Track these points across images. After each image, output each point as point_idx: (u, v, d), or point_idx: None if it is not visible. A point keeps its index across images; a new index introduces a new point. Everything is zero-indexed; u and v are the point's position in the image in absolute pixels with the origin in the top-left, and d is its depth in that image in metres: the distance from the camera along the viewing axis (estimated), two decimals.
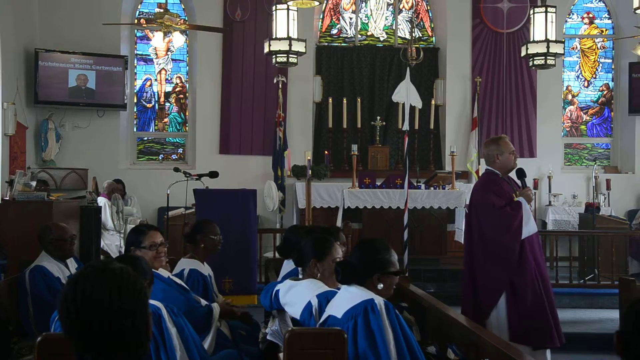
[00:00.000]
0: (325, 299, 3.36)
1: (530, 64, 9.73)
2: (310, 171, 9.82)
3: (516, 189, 5.22)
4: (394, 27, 12.24)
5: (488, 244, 5.13)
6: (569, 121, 12.40)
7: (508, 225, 5.05)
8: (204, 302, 4.29)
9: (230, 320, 4.47)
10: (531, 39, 9.64)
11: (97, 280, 1.61)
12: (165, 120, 11.87)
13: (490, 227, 5.12)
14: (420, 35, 12.13)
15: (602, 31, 12.44)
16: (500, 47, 11.63)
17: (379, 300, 2.99)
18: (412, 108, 8.95)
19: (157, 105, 11.85)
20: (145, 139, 11.84)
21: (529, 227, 5.05)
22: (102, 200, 8.77)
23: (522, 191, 5.17)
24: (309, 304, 3.41)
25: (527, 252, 5.05)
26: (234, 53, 11.31)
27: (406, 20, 12.16)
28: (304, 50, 9.43)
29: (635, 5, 7.53)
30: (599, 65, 12.43)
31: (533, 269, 5.04)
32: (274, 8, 9.38)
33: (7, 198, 6.55)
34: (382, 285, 3.10)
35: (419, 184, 9.82)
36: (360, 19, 12.22)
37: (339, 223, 8.87)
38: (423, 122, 11.48)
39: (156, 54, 11.82)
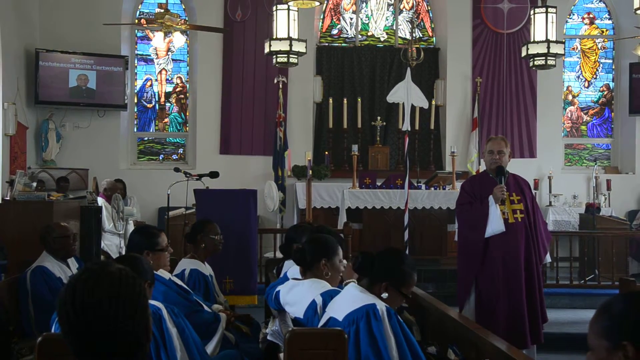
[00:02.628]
0: (329, 297, 3.36)
1: (531, 64, 9.72)
2: (310, 171, 9.83)
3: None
4: (394, 28, 12.24)
5: (459, 238, 5.38)
6: (570, 121, 12.40)
7: (466, 220, 5.24)
8: (206, 307, 4.28)
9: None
10: (531, 40, 9.64)
11: (95, 284, 1.60)
12: (166, 120, 11.88)
13: (456, 221, 5.44)
14: (421, 35, 12.13)
15: (603, 31, 12.44)
16: (500, 47, 11.63)
17: (381, 306, 2.96)
18: (413, 108, 8.95)
19: (157, 105, 11.85)
20: (146, 139, 11.85)
21: (493, 227, 5.03)
22: (100, 201, 8.74)
23: (494, 189, 5.12)
24: (313, 302, 3.41)
25: (494, 251, 5.08)
26: (235, 53, 11.31)
27: (406, 21, 12.17)
28: (304, 51, 9.42)
29: (636, 5, 7.54)
30: (599, 65, 12.43)
31: (497, 270, 5.06)
32: (274, 8, 9.38)
33: (8, 198, 6.56)
34: (386, 295, 3.08)
35: (419, 184, 9.82)
36: (361, 19, 12.22)
37: (341, 224, 8.88)
38: (423, 122, 11.48)
39: (157, 54, 11.82)
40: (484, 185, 5.19)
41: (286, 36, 9.17)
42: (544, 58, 9.42)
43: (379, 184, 9.65)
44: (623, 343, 1.55)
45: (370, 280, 3.11)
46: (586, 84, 12.42)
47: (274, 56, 9.40)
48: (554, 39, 9.46)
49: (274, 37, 9.30)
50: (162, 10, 9.75)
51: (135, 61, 11.70)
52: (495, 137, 5.42)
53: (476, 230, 5.11)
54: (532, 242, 5.14)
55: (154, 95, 11.83)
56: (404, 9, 12.26)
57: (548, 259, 5.49)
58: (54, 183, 10.03)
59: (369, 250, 3.27)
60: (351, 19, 12.21)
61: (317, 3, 8.53)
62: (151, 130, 11.85)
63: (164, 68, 11.85)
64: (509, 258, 5.07)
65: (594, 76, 12.41)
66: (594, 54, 12.43)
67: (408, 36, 11.69)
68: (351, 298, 3.06)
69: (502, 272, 5.06)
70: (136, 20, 11.41)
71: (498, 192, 5.04)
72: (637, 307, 1.59)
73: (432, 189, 9.57)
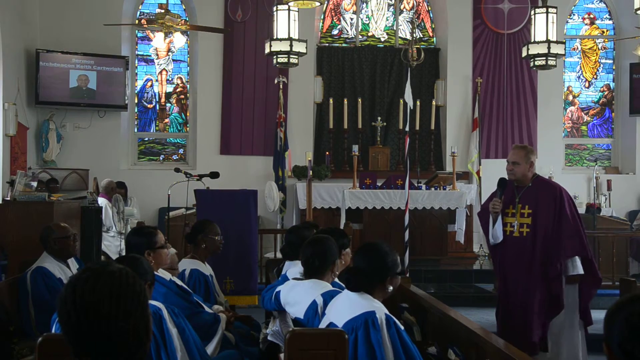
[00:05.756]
0: (330, 297, 3.36)
1: (531, 64, 9.72)
2: (311, 172, 9.83)
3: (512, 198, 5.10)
4: (394, 28, 12.24)
5: None
6: (570, 122, 12.40)
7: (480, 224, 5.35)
8: (207, 308, 4.27)
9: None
10: (532, 40, 9.63)
11: (96, 284, 1.60)
12: (166, 120, 11.88)
13: None
14: (421, 35, 12.13)
15: (603, 32, 12.44)
16: (501, 47, 11.63)
17: (381, 314, 2.93)
18: (413, 109, 8.96)
19: (157, 105, 11.85)
20: (146, 139, 11.85)
21: (490, 237, 5.06)
22: (102, 201, 8.74)
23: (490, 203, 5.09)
24: (314, 302, 3.41)
25: (496, 264, 5.17)
26: (235, 54, 11.32)
27: (407, 21, 12.17)
28: (304, 51, 9.41)
29: (636, 6, 7.53)
30: (599, 65, 12.43)
31: (501, 280, 5.14)
32: (274, 8, 9.37)
33: (8, 198, 6.56)
34: (392, 288, 3.08)
35: (419, 184, 9.82)
36: (361, 19, 12.22)
37: (342, 224, 8.89)
38: (424, 122, 11.48)
39: (157, 55, 11.82)
40: (506, 195, 5.05)
41: (286, 36, 9.17)
42: (544, 58, 9.41)
43: (379, 184, 9.65)
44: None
45: (370, 287, 3.06)
46: (587, 84, 12.42)
47: (275, 56, 9.39)
48: (555, 39, 9.45)
49: (275, 37, 9.29)
50: (163, 11, 9.74)
51: (136, 61, 11.71)
52: (515, 146, 5.18)
53: (486, 235, 5.21)
54: (534, 258, 4.86)
55: (155, 95, 11.84)
56: (404, 10, 12.26)
57: (574, 270, 4.87)
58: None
59: (352, 267, 3.14)
60: (351, 19, 12.21)
61: (318, 3, 8.51)
62: (151, 131, 11.86)
63: (164, 68, 11.85)
64: (506, 271, 5.04)
65: (595, 76, 12.41)
66: (595, 54, 12.43)
67: (408, 36, 11.68)
68: (350, 303, 3.03)
69: (502, 284, 5.10)
70: (137, 21, 11.40)
71: (490, 206, 4.98)
72: (609, 313, 1.70)
73: (433, 189, 9.57)
